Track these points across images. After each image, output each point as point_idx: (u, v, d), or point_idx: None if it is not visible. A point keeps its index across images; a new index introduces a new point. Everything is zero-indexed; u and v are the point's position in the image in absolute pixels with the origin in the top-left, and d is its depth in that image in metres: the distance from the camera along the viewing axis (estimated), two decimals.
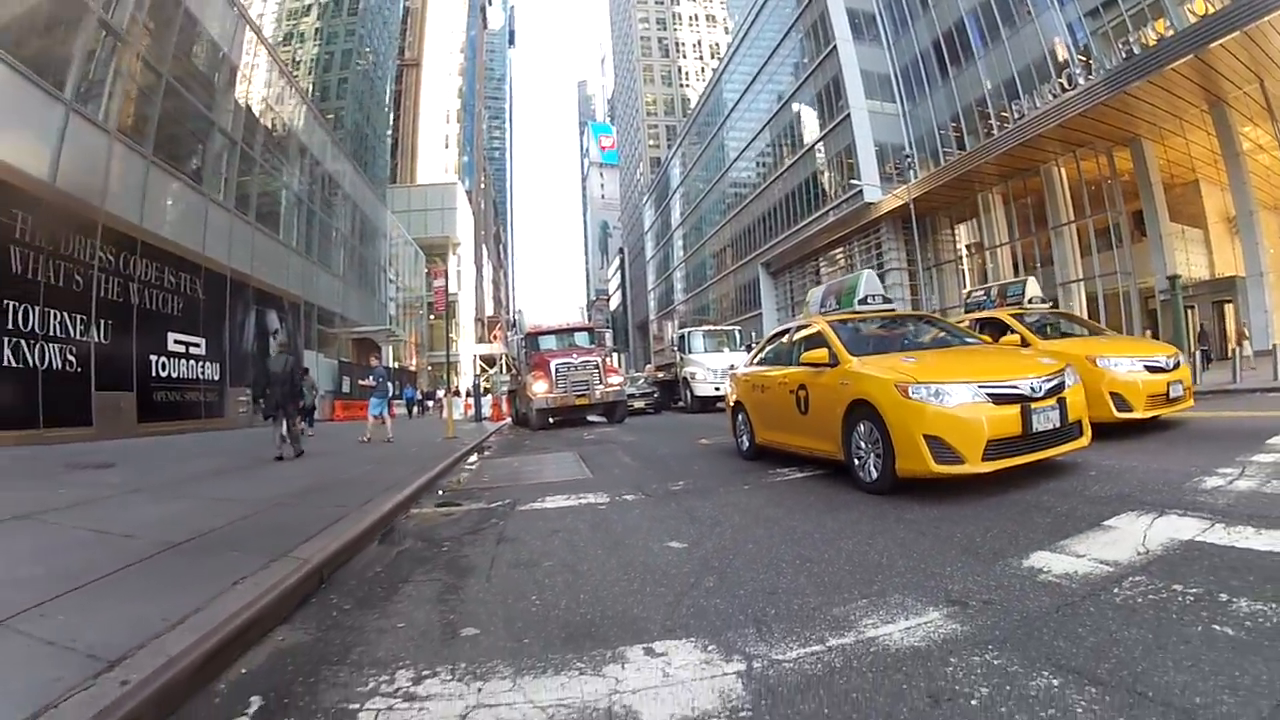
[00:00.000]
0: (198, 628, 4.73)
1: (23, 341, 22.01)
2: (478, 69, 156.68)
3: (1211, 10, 37.94)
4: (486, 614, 5.54)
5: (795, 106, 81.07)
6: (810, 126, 78.91)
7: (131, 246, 27.64)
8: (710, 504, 9.62)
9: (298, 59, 71.48)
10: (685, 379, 38.16)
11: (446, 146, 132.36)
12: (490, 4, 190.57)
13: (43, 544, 7.47)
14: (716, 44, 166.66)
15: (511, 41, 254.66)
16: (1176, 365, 13.48)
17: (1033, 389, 8.82)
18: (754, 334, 46.03)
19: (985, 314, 16.80)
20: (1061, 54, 50.54)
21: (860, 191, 65.56)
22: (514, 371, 42.21)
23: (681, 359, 40.03)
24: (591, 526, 8.77)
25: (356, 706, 3.97)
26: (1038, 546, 6.21)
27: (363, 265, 65.73)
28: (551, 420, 31.42)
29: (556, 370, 30.69)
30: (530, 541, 8.13)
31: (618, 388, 32.17)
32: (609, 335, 51.81)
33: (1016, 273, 55.89)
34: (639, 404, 37.45)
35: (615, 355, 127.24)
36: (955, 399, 8.60)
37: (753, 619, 4.90)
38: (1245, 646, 3.90)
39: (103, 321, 25.63)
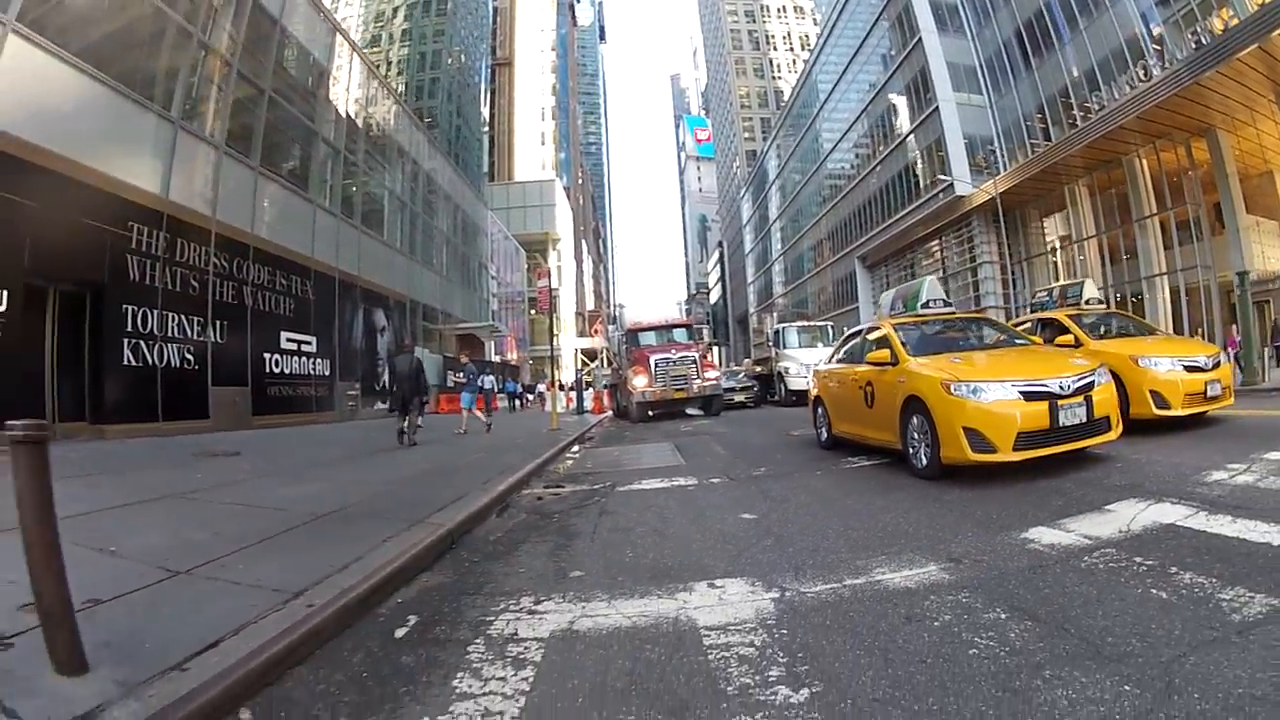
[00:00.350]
0: (360, 571, 6.07)
1: (142, 342, 23.53)
2: (570, 66, 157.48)
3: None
4: (589, 562, 6.94)
5: (886, 98, 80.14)
6: (901, 118, 78.12)
7: (244, 252, 29.15)
8: (783, 486, 10.79)
9: (390, 59, 72.19)
10: (779, 373, 38.58)
11: (543, 143, 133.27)
12: (579, 1, 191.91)
13: (204, 516, 8.65)
14: (806, 35, 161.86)
15: (603, 37, 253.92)
16: (1216, 365, 13.88)
17: (1061, 387, 9.69)
18: (844, 329, 46.30)
19: (1045, 314, 17.56)
20: (1137, 44, 49.78)
21: (951, 185, 65.01)
22: (614, 366, 42.75)
23: (776, 354, 40.58)
24: (679, 503, 9.99)
25: (491, 618, 5.34)
26: (1039, 523, 7.22)
27: (464, 262, 66.56)
28: (651, 413, 31.83)
29: (656, 365, 31.35)
30: (627, 514, 9.40)
31: (714, 382, 32.70)
32: (706, 331, 52.52)
33: (1104, 266, 55.71)
34: (739, 398, 37.64)
35: (715, 350, 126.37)
36: (991, 396, 9.59)
37: (793, 567, 6.25)
38: (1171, 608, 4.68)
39: (218, 322, 27.18)
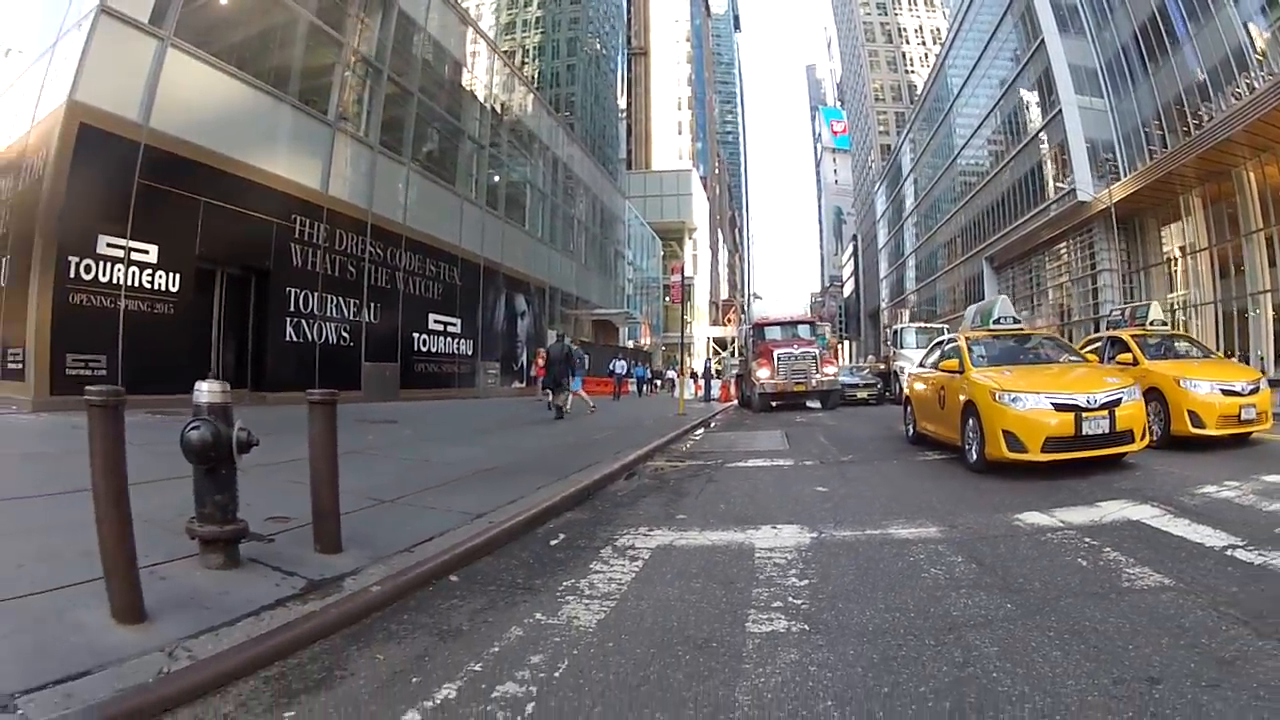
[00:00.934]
0: (523, 505, 8.46)
1: (303, 321, 26.30)
2: (705, 55, 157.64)
3: None
4: (691, 511, 9.36)
5: (1014, 96, 79.14)
6: (1026, 119, 77.13)
7: (396, 241, 31.75)
8: (860, 470, 12.97)
9: (524, 46, 72.53)
10: (895, 372, 39.46)
11: (680, 133, 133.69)
12: None
13: (387, 468, 10.95)
14: (938, 29, 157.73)
15: (737, 26, 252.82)
16: (1254, 390, 14.64)
17: (1088, 401, 11.25)
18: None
19: (1114, 333, 18.71)
20: (1243, 53, 48.48)
21: (1073, 190, 64.05)
22: (741, 357, 44.30)
23: (894, 353, 41.80)
24: (773, 478, 12.25)
25: (617, 538, 7.72)
26: (1035, 509, 8.85)
27: (601, 250, 67.92)
28: (773, 405, 33.12)
29: (778, 359, 32.68)
30: (728, 483, 11.72)
31: (832, 378, 33.89)
32: (829, 328, 53.16)
33: (1213, 279, 54.19)
34: (861, 394, 37.85)
35: (844, 344, 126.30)
36: (1027, 404, 11.30)
37: (835, 521, 8.49)
38: (1082, 571, 6.27)
39: (372, 304, 29.84)
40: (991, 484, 10.83)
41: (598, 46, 78.58)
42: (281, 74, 26.88)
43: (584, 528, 8.40)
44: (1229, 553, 6.86)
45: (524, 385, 37.04)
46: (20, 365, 18.69)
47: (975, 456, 12.13)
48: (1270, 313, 46.74)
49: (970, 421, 12.46)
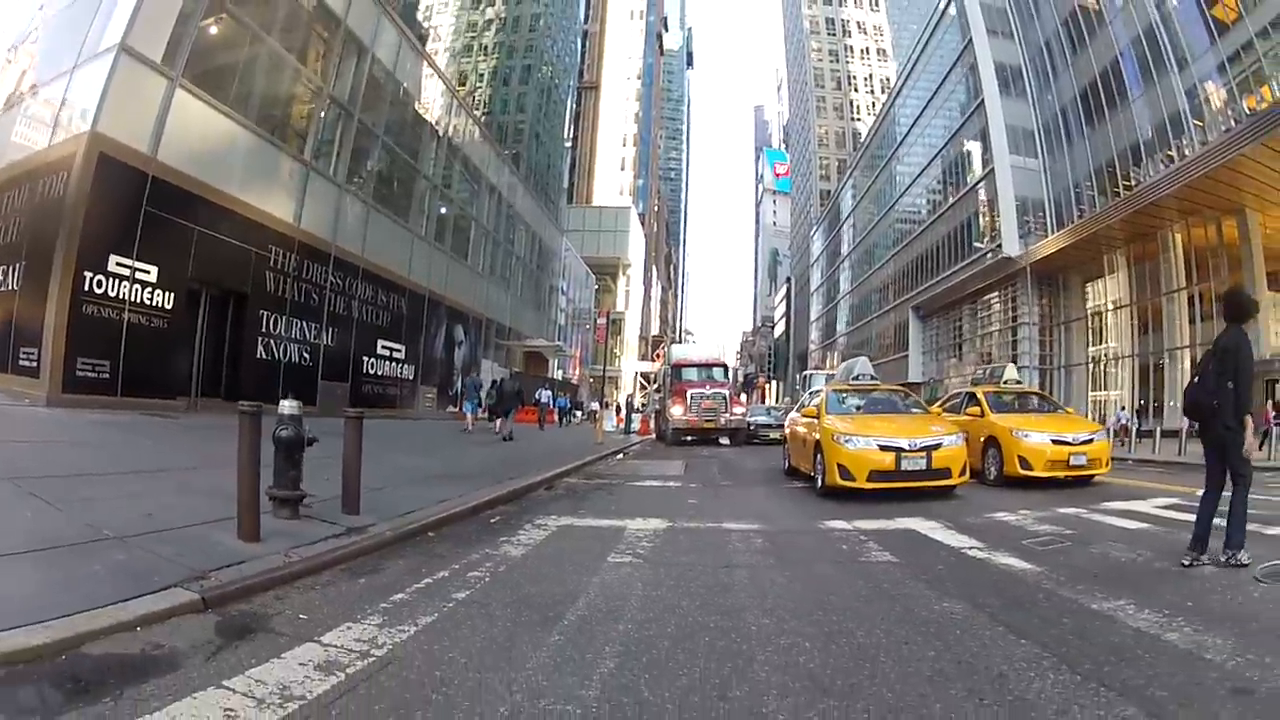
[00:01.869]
0: (470, 498, 11.81)
1: (272, 340, 29.15)
2: (655, 93, 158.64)
3: None
4: (589, 509, 12.78)
5: (953, 151, 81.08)
6: (963, 172, 79.14)
7: (355, 272, 34.57)
8: (732, 491, 16.65)
9: (478, 70, 72.20)
10: None
11: (622, 169, 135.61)
12: (667, 30, 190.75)
13: (366, 469, 13.52)
14: (887, 78, 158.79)
15: (690, 63, 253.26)
16: (1088, 441, 17.44)
17: (910, 445, 14.38)
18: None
19: (970, 389, 22.38)
20: (1179, 120, 50.72)
21: (1000, 245, 66.56)
22: (660, 394, 47.29)
23: (807, 395, 44.28)
24: (661, 494, 15.72)
25: (535, 521, 10.97)
26: (842, 519, 11.78)
27: (536, 284, 70.19)
28: (686, 439, 36.04)
29: (691, 398, 36.00)
30: (623, 495, 15.32)
31: (739, 417, 37.24)
32: (740, 372, 55.10)
33: (1133, 335, 56.85)
34: (774, 434, 37.39)
35: (771, 383, 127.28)
36: (857, 445, 14.57)
37: (688, 518, 11.74)
38: (842, 552, 9.31)
39: (331, 329, 32.70)
40: (824, 504, 14.00)
41: (550, 77, 77.95)
42: (266, 115, 29.61)
43: (513, 514, 11.79)
44: (963, 551, 9.30)
45: (458, 410, 39.50)
46: (34, 364, 20.96)
47: (821, 483, 15.28)
48: (1187, 366, 48.08)
49: (817, 457, 15.70)
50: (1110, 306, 61.35)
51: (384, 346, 37.93)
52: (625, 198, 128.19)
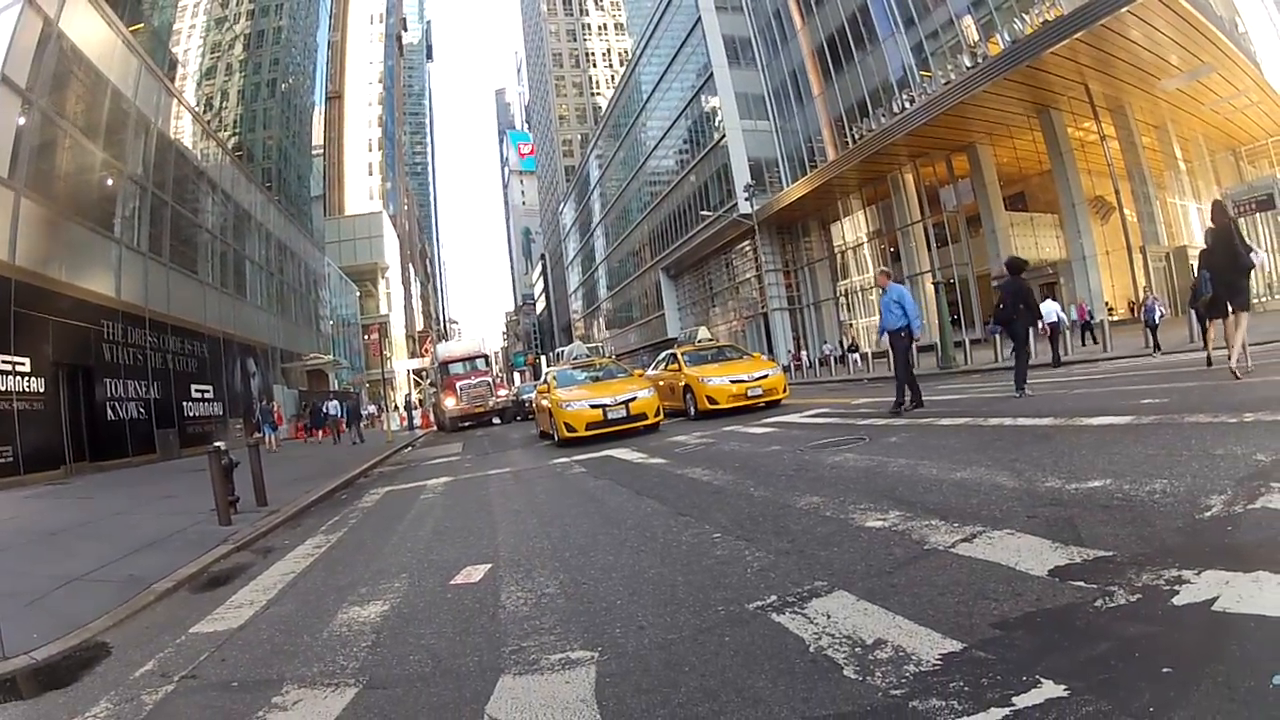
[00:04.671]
0: (322, 487, 18.39)
1: (117, 403, 32.85)
2: (396, 95, 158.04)
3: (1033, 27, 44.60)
4: (397, 482, 19.04)
5: (693, 113, 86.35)
6: (694, 144, 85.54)
7: (164, 329, 37.87)
8: (497, 455, 22.62)
9: (225, 91, 69.98)
10: None
11: (371, 174, 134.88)
12: (406, 30, 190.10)
13: (245, 482, 17.90)
14: (625, 50, 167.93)
15: (430, 56, 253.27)
16: (763, 377, 23.42)
17: (612, 401, 20.43)
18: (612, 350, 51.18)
19: (672, 350, 28.27)
20: (907, 78, 57.53)
21: (734, 205, 71.72)
22: (434, 389, 52.73)
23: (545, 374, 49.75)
24: (446, 464, 22.07)
25: (369, 493, 17.62)
26: (564, 458, 17.46)
27: (306, 305, 72.04)
28: (462, 425, 41.60)
29: (460, 389, 41.76)
30: (421, 469, 21.74)
31: (505, 399, 43.33)
32: (496, 358, 58.83)
33: (878, 264, 62.16)
34: None
35: (541, 359, 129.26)
36: (576, 406, 20.97)
37: (464, 474, 18.36)
38: (557, 475, 15.84)
39: (156, 383, 36.32)
40: (557, 450, 19.88)
41: (294, 91, 72.15)
42: (84, 205, 32.58)
43: (353, 492, 17.94)
44: (631, 461, 14.50)
45: (260, 435, 39.87)
46: None
47: (555, 438, 21.71)
48: (930, 289, 52.96)
49: (551, 418, 22.05)
50: (851, 245, 68.83)
51: (197, 389, 41.24)
52: (376, 202, 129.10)
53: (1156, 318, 27.21)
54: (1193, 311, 21.65)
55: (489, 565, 7.61)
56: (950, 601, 4.52)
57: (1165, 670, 3.26)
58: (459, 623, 5.82)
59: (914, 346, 18.29)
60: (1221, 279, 13.78)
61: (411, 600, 6.81)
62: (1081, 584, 4.42)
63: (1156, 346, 25.84)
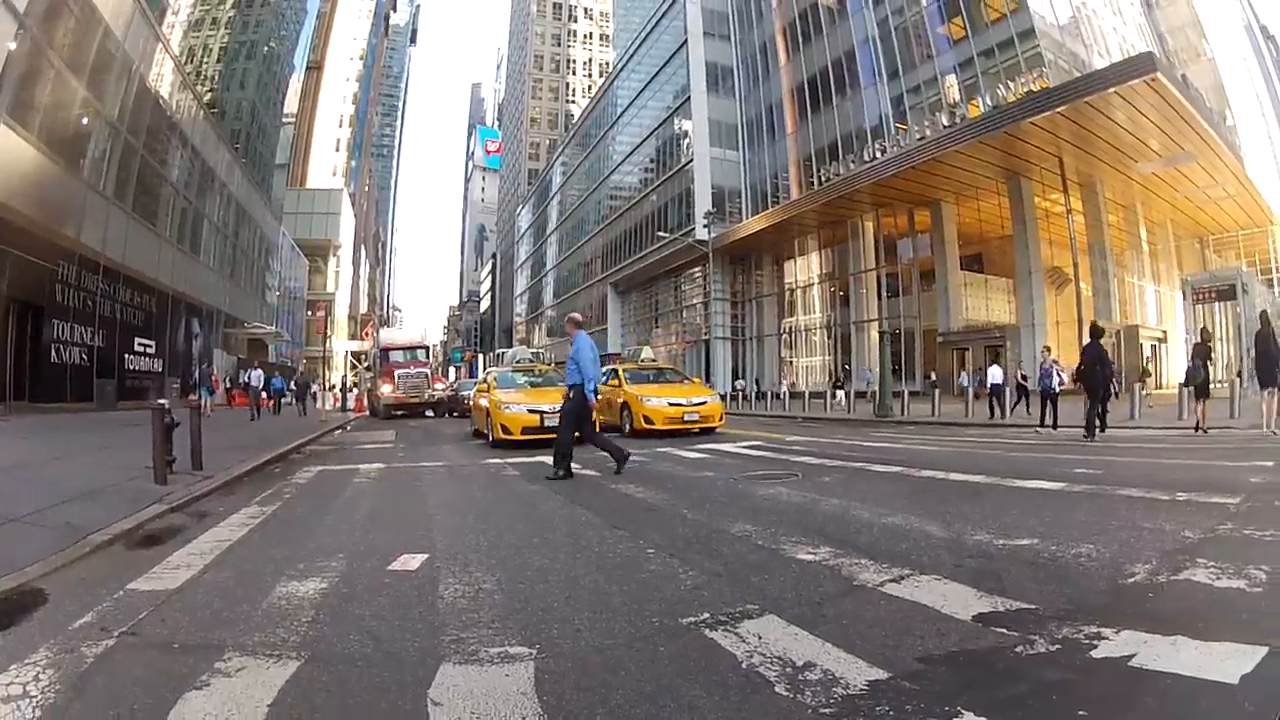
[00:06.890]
0: (258, 458, 18.62)
1: (62, 346, 32.97)
2: (375, 74, 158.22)
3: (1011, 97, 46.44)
4: (335, 461, 19.82)
5: (663, 134, 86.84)
6: (660, 165, 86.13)
7: (116, 277, 38.06)
8: (429, 448, 23.28)
9: (208, 45, 67.85)
10: None
11: (337, 150, 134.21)
12: (395, 10, 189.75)
13: (182, 445, 18.72)
14: (606, 63, 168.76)
15: (413, 40, 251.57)
16: (701, 404, 24.49)
17: (550, 409, 19.64)
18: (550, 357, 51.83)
19: (615, 366, 28.82)
20: (881, 126, 58.55)
21: (692, 230, 71.99)
22: (371, 374, 53.47)
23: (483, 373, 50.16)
24: (380, 451, 22.48)
25: (301, 470, 17.92)
26: (496, 459, 18.41)
27: (255, 273, 73.24)
28: (396, 413, 42.00)
29: (399, 377, 42.20)
30: (354, 453, 22.09)
31: (441, 392, 44.31)
32: (435, 352, 59.16)
33: (825, 308, 65.98)
34: None
35: (479, 358, 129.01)
36: (514, 410, 21.67)
37: (398, 462, 18.97)
38: (489, 474, 16.90)
39: (101, 331, 36.43)
40: (491, 451, 20.59)
41: (276, 55, 77.31)
42: (58, 140, 32.23)
43: (286, 467, 17.96)
44: (574, 472, 14.32)
45: (196, 398, 38.68)
46: None
47: (490, 438, 22.29)
48: (875, 336, 54.55)
49: (488, 418, 22.64)
50: (801, 284, 69.74)
51: (140, 344, 41.22)
52: (338, 179, 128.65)
53: (1055, 384, 24.80)
54: (1189, 390, 22.79)
55: (426, 555, 7.90)
56: (878, 634, 4.91)
57: (1081, 713, 3.60)
58: (398, 609, 6.05)
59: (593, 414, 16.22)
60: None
61: (350, 581, 7.04)
62: (1004, 631, 4.83)
63: (1054, 424, 23.90)
